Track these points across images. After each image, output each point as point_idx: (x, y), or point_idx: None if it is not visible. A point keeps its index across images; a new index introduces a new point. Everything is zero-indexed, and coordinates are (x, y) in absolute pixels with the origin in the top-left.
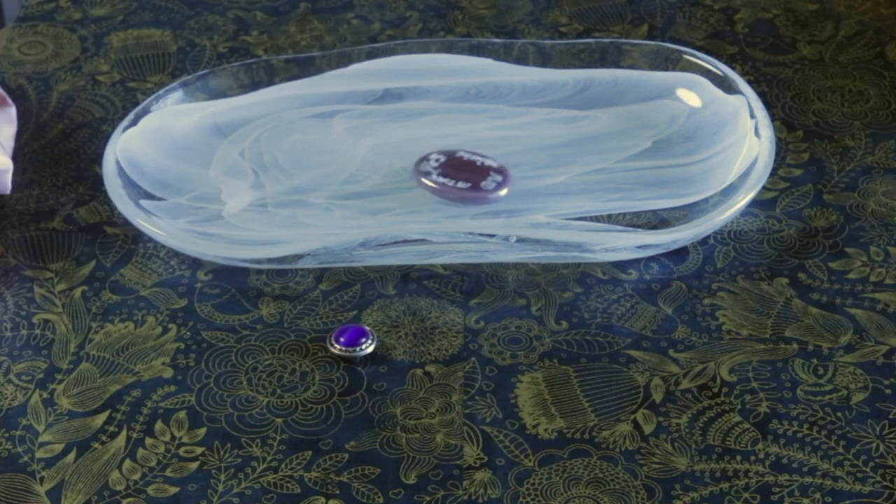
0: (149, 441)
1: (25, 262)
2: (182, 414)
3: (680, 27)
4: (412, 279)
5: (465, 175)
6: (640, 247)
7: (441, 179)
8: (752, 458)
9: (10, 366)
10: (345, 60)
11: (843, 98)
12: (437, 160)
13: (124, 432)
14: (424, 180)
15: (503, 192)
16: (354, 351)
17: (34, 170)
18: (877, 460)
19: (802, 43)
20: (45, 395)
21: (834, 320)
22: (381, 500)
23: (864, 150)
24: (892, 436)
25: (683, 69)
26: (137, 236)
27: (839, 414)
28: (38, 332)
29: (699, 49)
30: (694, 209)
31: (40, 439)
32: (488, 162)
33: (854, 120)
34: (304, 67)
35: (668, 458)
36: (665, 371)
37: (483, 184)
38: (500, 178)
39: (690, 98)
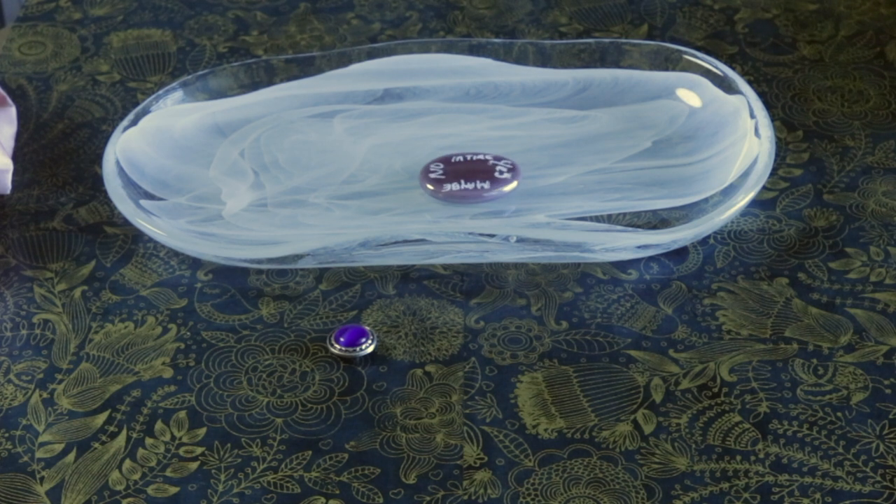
0: (149, 441)
1: (25, 262)
2: (182, 414)
3: (680, 27)
4: (412, 279)
5: (476, 175)
6: (640, 247)
7: (459, 186)
8: (752, 458)
9: (10, 366)
10: (345, 60)
11: (843, 98)
12: (438, 168)
13: (124, 432)
14: (442, 191)
15: (515, 182)
16: (354, 351)
17: (34, 170)
18: (877, 460)
19: (802, 43)
20: (45, 395)
21: (834, 320)
22: (381, 500)
23: (864, 150)
24: (892, 436)
25: (683, 69)
26: (137, 236)
27: (839, 414)
28: (38, 332)
29: (699, 49)
30: (694, 209)
31: (40, 439)
32: (488, 156)
33: (854, 120)
34: (304, 67)
35: (668, 458)
36: (665, 371)
37: (496, 174)
38: (509, 165)
39: (690, 98)
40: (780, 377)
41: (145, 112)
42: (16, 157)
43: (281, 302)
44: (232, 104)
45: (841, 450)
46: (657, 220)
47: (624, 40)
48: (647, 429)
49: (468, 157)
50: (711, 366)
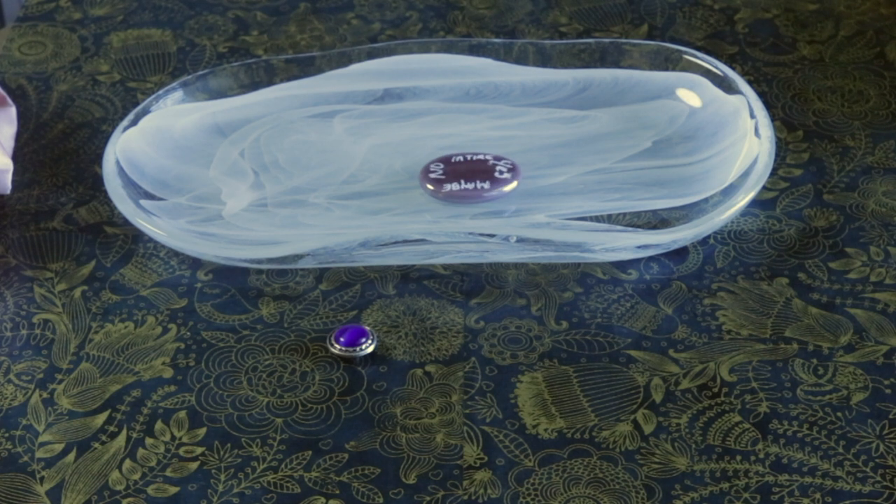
0: (149, 441)
1: (25, 262)
2: (182, 414)
3: (680, 27)
4: (412, 279)
5: (476, 175)
6: (640, 247)
7: (459, 186)
8: (752, 458)
9: (10, 366)
10: (345, 60)
11: (843, 98)
12: (438, 168)
13: (124, 432)
14: (442, 191)
15: (515, 182)
16: (354, 351)
17: (34, 170)
18: (877, 460)
19: (802, 43)
20: (45, 395)
21: (834, 320)
22: (381, 500)
23: (864, 150)
24: (892, 436)
25: (683, 69)
26: (137, 236)
27: (839, 414)
28: (38, 332)
29: (699, 49)
30: (694, 209)
31: (40, 439)
32: (488, 156)
33: (854, 120)
34: (304, 67)
35: (668, 458)
36: (665, 371)
37: (496, 174)
38: (509, 164)
39: (690, 98)
40: (780, 377)
41: (145, 112)
42: (16, 157)
43: (281, 302)
44: (232, 104)
45: (841, 450)
46: (657, 220)
47: (624, 40)
48: (647, 429)
49: (468, 157)
50: (711, 366)
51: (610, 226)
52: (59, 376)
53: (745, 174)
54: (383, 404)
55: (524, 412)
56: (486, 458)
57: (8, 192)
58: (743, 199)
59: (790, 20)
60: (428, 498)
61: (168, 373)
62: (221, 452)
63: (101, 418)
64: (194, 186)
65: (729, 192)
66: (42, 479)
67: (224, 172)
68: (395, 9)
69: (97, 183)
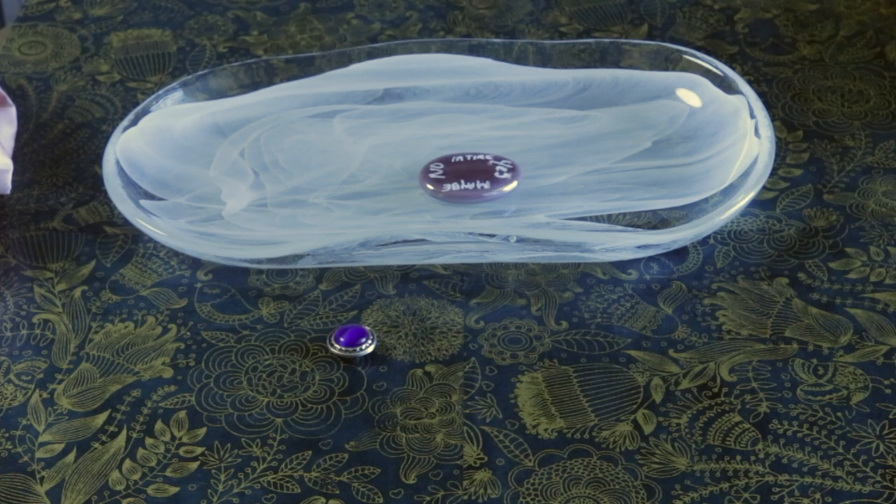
0: (149, 441)
1: (25, 262)
2: (182, 414)
3: (680, 27)
4: (412, 279)
5: (476, 175)
6: (640, 247)
7: (459, 186)
8: (752, 458)
9: (10, 366)
10: (345, 60)
11: (843, 98)
12: (438, 168)
13: (124, 432)
14: (442, 191)
15: (515, 182)
16: (354, 351)
17: (34, 170)
18: (877, 460)
19: (802, 43)
20: (45, 395)
21: (834, 320)
22: (381, 500)
23: (864, 150)
24: (892, 436)
25: (683, 69)
26: (137, 236)
27: (839, 414)
28: (38, 332)
29: (699, 49)
30: (694, 209)
31: (40, 439)
32: (488, 156)
33: (854, 120)
34: (304, 67)
35: (668, 458)
36: (665, 371)
37: (496, 174)
38: (509, 165)
39: (690, 98)
40: (780, 377)
41: (145, 112)
42: (16, 157)
43: (281, 302)
44: (232, 104)
45: (841, 450)
46: (657, 220)
47: (624, 40)
48: (647, 429)
49: (468, 157)
50: (711, 366)
51: (610, 226)
52: (59, 376)
53: (745, 174)
54: (383, 404)
55: (524, 412)
56: (486, 458)
57: (8, 192)
58: (743, 199)
59: (790, 20)
60: (428, 498)
61: (168, 373)
62: (221, 452)
63: (101, 418)
64: (194, 186)
65: (729, 192)
66: (42, 479)
67: (224, 172)
68: (395, 9)
69: (97, 183)
